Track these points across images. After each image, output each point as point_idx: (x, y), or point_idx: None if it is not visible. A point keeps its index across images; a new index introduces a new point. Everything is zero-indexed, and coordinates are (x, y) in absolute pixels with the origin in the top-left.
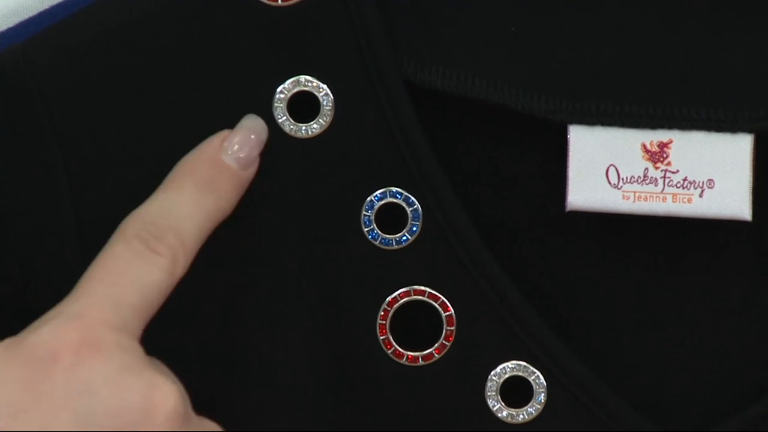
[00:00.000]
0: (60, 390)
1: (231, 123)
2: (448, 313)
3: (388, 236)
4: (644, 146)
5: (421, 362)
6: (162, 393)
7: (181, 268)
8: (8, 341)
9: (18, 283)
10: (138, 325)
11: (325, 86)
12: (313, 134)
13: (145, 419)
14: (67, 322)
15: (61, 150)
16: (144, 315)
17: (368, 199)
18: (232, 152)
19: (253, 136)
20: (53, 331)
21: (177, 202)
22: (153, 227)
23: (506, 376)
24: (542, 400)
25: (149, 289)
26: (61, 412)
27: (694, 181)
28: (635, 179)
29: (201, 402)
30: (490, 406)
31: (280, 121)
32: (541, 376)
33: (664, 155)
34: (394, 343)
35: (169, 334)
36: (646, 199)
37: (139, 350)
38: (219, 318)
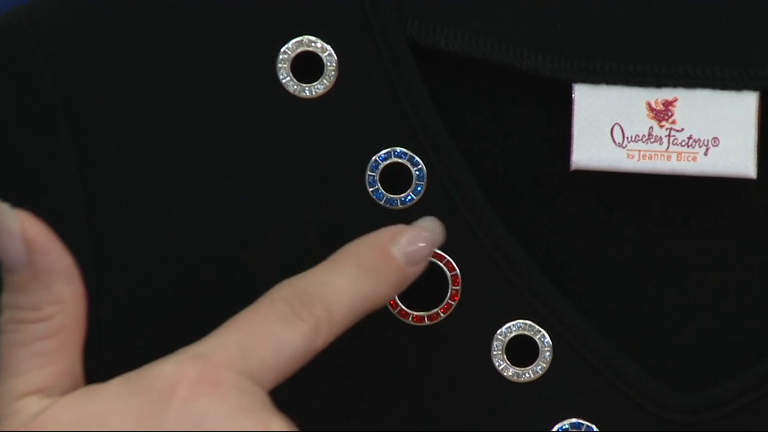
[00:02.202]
0: (173, 422)
1: (235, 84)
2: (453, 272)
3: (392, 196)
4: (649, 105)
5: (426, 322)
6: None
7: (322, 338)
8: (130, 373)
9: None
10: (266, 378)
11: (329, 47)
12: (317, 95)
13: None
14: (191, 359)
15: (66, 111)
16: (274, 372)
17: (372, 159)
18: (402, 246)
19: (426, 234)
20: (175, 366)
21: (333, 278)
22: (303, 294)
23: (512, 335)
24: (548, 359)
25: (284, 350)
26: None
27: (699, 139)
28: (640, 138)
29: None
30: (496, 365)
31: (283, 81)
32: (547, 335)
33: (669, 113)
34: (399, 303)
35: (165, 293)
36: (650, 157)
37: (260, 394)
38: (222, 278)
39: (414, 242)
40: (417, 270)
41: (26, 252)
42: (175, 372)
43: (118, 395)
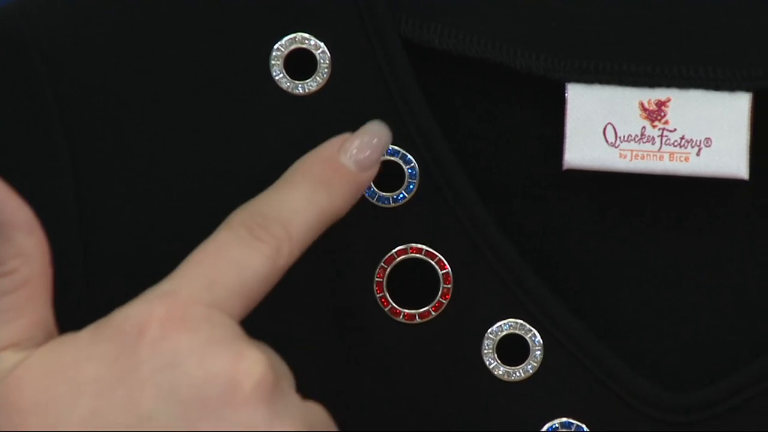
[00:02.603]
0: (145, 364)
1: (228, 80)
2: (444, 270)
3: (385, 194)
4: (642, 105)
5: (417, 320)
6: (249, 362)
7: (284, 258)
8: (100, 320)
9: None
10: (235, 305)
11: (322, 44)
12: (310, 92)
13: (231, 389)
14: (158, 298)
15: (60, 107)
16: (242, 297)
17: None
18: (351, 154)
19: (375, 140)
20: (142, 307)
21: (288, 197)
22: (260, 217)
23: (503, 334)
24: (539, 358)
25: (248, 273)
26: (146, 386)
27: (691, 139)
28: (632, 138)
29: None
30: (487, 363)
31: (276, 78)
32: (538, 334)
33: (662, 114)
34: (390, 300)
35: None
36: (643, 157)
37: (231, 324)
38: None
39: (363, 148)
40: (369, 175)
41: None
42: (142, 313)
43: (91, 342)
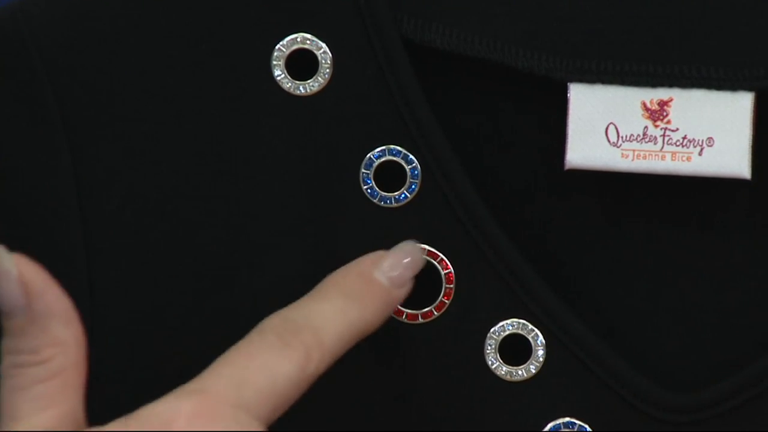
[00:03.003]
0: None
1: (230, 80)
2: (447, 271)
3: (386, 194)
4: (644, 104)
5: (420, 320)
6: None
7: (314, 365)
8: (128, 415)
9: (14, 239)
10: (262, 409)
11: (323, 44)
12: (312, 92)
13: None
14: (186, 395)
15: (59, 105)
16: (271, 402)
17: (367, 157)
18: (384, 270)
19: (408, 259)
20: (171, 404)
21: (320, 307)
22: (291, 324)
23: (505, 334)
24: (541, 359)
25: (278, 378)
26: None
27: (693, 139)
28: (634, 137)
29: (197, 355)
30: (489, 363)
31: (278, 78)
32: (540, 334)
33: (664, 113)
34: None
35: (158, 288)
36: (645, 157)
37: (257, 427)
38: (216, 275)
39: (396, 266)
40: (402, 292)
41: (23, 295)
42: (170, 409)
43: None
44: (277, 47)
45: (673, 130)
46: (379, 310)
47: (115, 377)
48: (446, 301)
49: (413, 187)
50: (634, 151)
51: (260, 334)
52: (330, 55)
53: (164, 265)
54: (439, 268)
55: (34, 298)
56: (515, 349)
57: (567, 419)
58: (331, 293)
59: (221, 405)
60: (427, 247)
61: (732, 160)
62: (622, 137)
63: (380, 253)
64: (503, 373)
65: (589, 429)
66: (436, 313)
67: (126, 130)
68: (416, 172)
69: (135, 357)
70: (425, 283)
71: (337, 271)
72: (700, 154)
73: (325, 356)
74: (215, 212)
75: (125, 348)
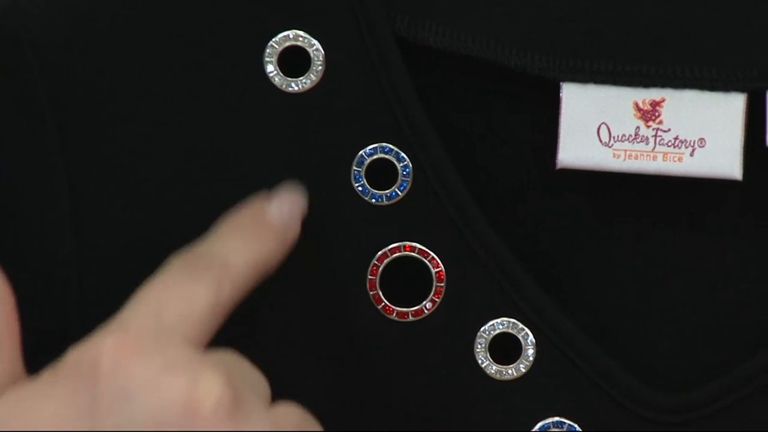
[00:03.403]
0: (102, 398)
1: (222, 77)
2: (438, 269)
3: (378, 192)
4: (636, 105)
5: (410, 318)
6: (205, 383)
7: (228, 291)
8: (56, 362)
9: (3, 234)
10: (187, 331)
11: (316, 41)
12: (304, 89)
13: (190, 413)
14: (108, 333)
15: (52, 102)
16: (193, 324)
17: (359, 154)
18: (273, 212)
19: (289, 201)
20: (92, 343)
21: (221, 242)
22: (197, 258)
23: (495, 333)
24: (531, 358)
25: (194, 302)
26: (105, 419)
27: (685, 140)
28: (626, 137)
29: None
30: (479, 362)
31: (270, 75)
32: (531, 333)
33: (656, 114)
34: (383, 298)
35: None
36: (636, 157)
37: (183, 349)
38: None
39: (283, 208)
40: (293, 230)
41: None
42: (93, 348)
43: (48, 383)
44: (269, 44)
45: (665, 131)
46: (276, 247)
47: None
48: (437, 299)
49: (405, 185)
50: (625, 151)
51: (169, 270)
52: (322, 52)
53: (156, 262)
54: (430, 266)
55: None
56: (505, 348)
57: (556, 418)
58: (231, 233)
59: (143, 336)
60: (418, 245)
61: (723, 161)
62: (614, 137)
63: (261, 198)
64: (493, 371)
65: (578, 428)
66: (426, 311)
67: (118, 127)
68: (408, 170)
69: None
70: (416, 281)
71: (230, 215)
72: (691, 154)
73: (236, 282)
74: (207, 208)
75: None
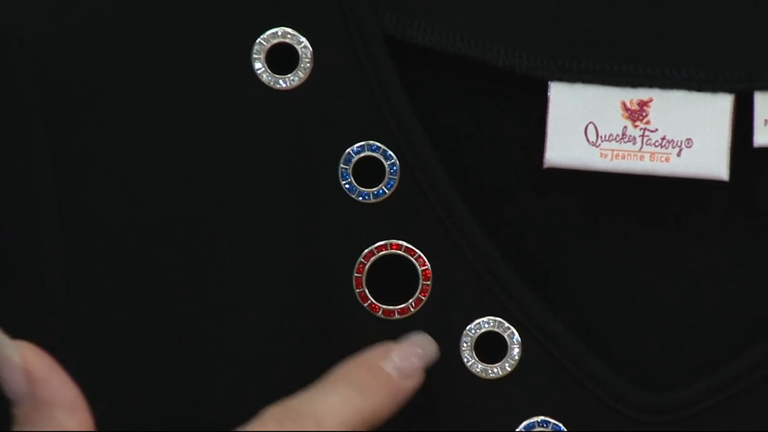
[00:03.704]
0: None
1: (210, 73)
2: (424, 267)
3: (365, 189)
4: (624, 104)
5: (396, 316)
6: None
7: None
8: None
9: None
10: None
11: (304, 39)
12: (292, 86)
13: None
14: None
15: (39, 97)
16: None
17: (346, 152)
18: (394, 363)
19: (418, 350)
20: None
21: (325, 397)
22: (293, 412)
23: (481, 331)
24: (517, 357)
25: None
26: None
27: (672, 140)
28: (613, 137)
29: (173, 349)
30: (465, 360)
31: (258, 72)
32: (516, 333)
33: (644, 114)
34: (370, 296)
35: (137, 280)
36: (623, 157)
37: None
38: (195, 268)
39: (406, 358)
40: (411, 383)
41: (26, 383)
42: None
43: None
44: (257, 41)
45: (652, 131)
46: (386, 401)
47: (90, 370)
48: (423, 297)
49: (392, 183)
50: (613, 150)
51: (260, 423)
52: (310, 49)
53: (142, 259)
54: (416, 264)
55: (38, 386)
56: (491, 347)
57: (542, 418)
58: (338, 384)
59: None
60: (405, 243)
61: (710, 161)
62: (601, 137)
63: (390, 344)
64: (478, 370)
65: (563, 428)
66: (412, 309)
67: (106, 122)
68: (395, 168)
69: (111, 351)
70: (402, 279)
71: (347, 361)
72: (678, 155)
73: None
74: (194, 205)
75: (102, 342)
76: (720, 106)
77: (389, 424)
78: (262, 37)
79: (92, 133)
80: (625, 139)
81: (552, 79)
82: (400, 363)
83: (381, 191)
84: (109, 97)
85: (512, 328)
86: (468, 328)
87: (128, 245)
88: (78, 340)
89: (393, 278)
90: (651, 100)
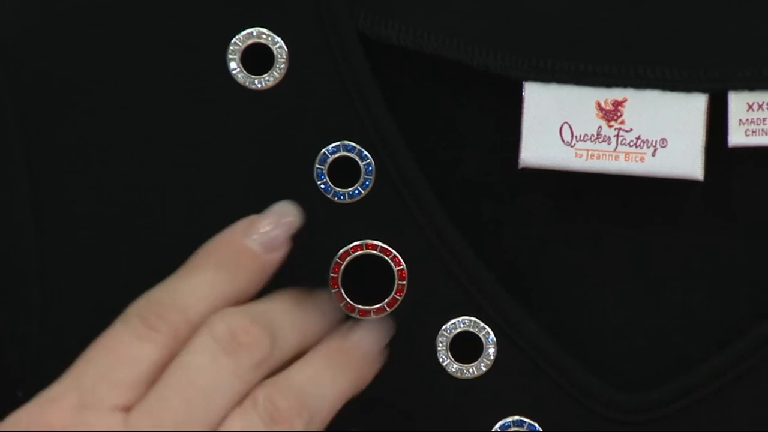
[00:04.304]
0: None
1: (185, 73)
2: (399, 267)
3: (340, 190)
4: (599, 104)
5: (372, 316)
6: None
7: (183, 343)
8: None
9: None
10: (124, 398)
11: (279, 39)
12: (267, 86)
13: None
14: (40, 406)
15: (14, 96)
16: (134, 388)
17: (321, 152)
18: (257, 236)
19: (281, 220)
20: (26, 415)
21: (188, 283)
22: (156, 305)
23: (456, 331)
24: (492, 357)
25: (142, 365)
26: None
27: (647, 140)
28: (588, 137)
29: None
30: (440, 360)
31: (233, 72)
32: (492, 333)
33: (618, 114)
34: (345, 296)
35: (112, 279)
36: (598, 157)
37: (111, 418)
38: (172, 268)
39: (270, 231)
40: (276, 256)
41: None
42: (26, 421)
43: None
44: (232, 41)
45: (626, 131)
46: (252, 278)
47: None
48: (398, 297)
49: (367, 183)
50: (587, 150)
51: (123, 322)
52: (286, 49)
53: (118, 256)
54: (392, 264)
55: None
56: (467, 347)
57: (517, 417)
58: (201, 265)
59: (62, 414)
60: (380, 243)
61: (685, 161)
62: (576, 137)
63: (252, 217)
64: (454, 370)
65: (539, 428)
66: (388, 309)
67: (81, 121)
68: (370, 168)
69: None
70: (378, 279)
71: (209, 241)
72: (653, 154)
73: (194, 331)
74: (170, 204)
75: (76, 339)
76: (694, 105)
77: (364, 423)
78: (237, 37)
79: (67, 132)
80: (600, 139)
81: (526, 79)
82: (264, 237)
83: (356, 191)
84: (85, 97)
85: (487, 327)
86: (444, 327)
87: (104, 245)
88: (54, 342)
89: (369, 278)
90: (625, 100)
